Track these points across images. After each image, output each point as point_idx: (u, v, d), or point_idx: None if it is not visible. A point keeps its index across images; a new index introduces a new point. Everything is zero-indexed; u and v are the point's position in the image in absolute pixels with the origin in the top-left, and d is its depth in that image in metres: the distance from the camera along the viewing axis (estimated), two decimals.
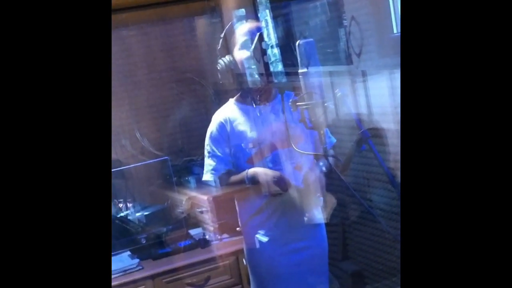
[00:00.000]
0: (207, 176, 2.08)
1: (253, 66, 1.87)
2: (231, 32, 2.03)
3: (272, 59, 1.71)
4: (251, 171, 2.01)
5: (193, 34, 3.21)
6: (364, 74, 2.40)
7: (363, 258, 2.78)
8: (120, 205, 2.82)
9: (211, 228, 2.76)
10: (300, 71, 1.55)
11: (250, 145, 2.02)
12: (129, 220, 2.78)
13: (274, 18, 1.71)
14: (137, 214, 2.81)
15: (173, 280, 2.53)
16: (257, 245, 2.09)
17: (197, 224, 2.88)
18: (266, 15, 1.67)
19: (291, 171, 2.02)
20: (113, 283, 2.41)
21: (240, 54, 1.96)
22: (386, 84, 2.29)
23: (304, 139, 1.97)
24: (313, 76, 1.55)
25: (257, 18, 1.84)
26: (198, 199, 2.80)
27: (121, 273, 2.50)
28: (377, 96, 2.37)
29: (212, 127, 2.08)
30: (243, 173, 2.02)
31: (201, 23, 3.20)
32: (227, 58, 2.00)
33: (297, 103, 1.60)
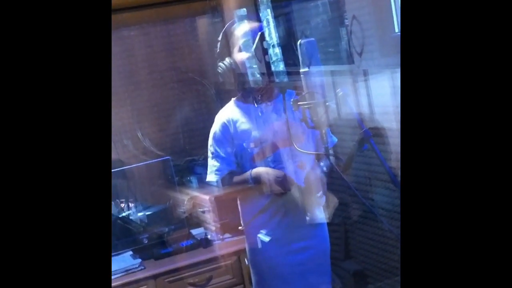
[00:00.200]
0: (211, 177, 2.08)
1: (254, 66, 1.87)
2: (230, 33, 2.03)
3: (274, 58, 1.71)
4: (255, 171, 2.01)
5: (194, 34, 3.21)
6: (365, 73, 2.40)
7: (365, 258, 2.78)
8: (122, 205, 2.82)
9: (213, 228, 2.76)
10: (301, 70, 1.55)
11: (252, 145, 2.02)
12: (131, 220, 2.78)
13: (276, 17, 1.71)
14: (139, 214, 2.81)
15: (175, 280, 2.53)
16: (259, 245, 2.09)
17: (199, 224, 2.88)
18: (267, 14, 1.67)
19: (294, 170, 2.02)
20: (115, 283, 2.41)
21: (241, 55, 1.96)
22: (387, 83, 2.29)
23: (306, 138, 1.97)
24: (314, 75, 1.55)
25: (258, 18, 1.84)
26: (200, 199, 2.80)
27: (123, 273, 2.50)
28: (379, 96, 2.37)
29: (215, 128, 2.08)
30: (247, 173, 2.02)
31: (202, 23, 3.20)
32: (227, 60, 1.99)
33: (299, 103, 1.60)
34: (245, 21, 1.97)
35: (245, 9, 1.99)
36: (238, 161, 2.06)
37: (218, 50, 2.04)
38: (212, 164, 2.08)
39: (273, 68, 1.74)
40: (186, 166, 3.06)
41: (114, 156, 2.95)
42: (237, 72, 1.98)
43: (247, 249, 2.19)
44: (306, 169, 2.03)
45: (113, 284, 2.39)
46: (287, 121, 1.80)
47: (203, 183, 2.92)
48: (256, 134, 2.02)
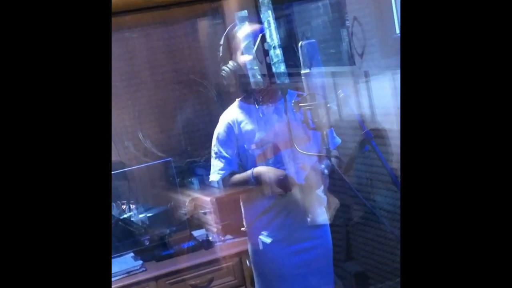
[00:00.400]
0: (214, 176, 2.09)
1: (255, 67, 1.87)
2: (232, 36, 2.03)
3: (275, 60, 1.71)
4: (256, 170, 2.01)
5: (195, 36, 3.21)
6: (366, 74, 2.40)
7: (366, 259, 2.77)
8: (123, 206, 2.82)
9: (215, 230, 2.76)
10: (302, 72, 1.55)
11: (253, 146, 2.03)
12: (132, 221, 2.78)
13: (277, 19, 1.71)
14: (140, 216, 2.81)
15: (177, 281, 2.53)
16: (261, 247, 2.09)
17: (200, 225, 2.88)
18: (268, 16, 1.67)
19: (297, 171, 2.02)
20: (117, 285, 2.41)
21: (244, 57, 1.96)
22: (388, 84, 2.29)
23: (310, 139, 1.97)
24: (315, 77, 1.55)
25: (259, 19, 1.84)
26: (201, 201, 2.80)
27: (124, 275, 2.50)
28: (380, 97, 2.37)
29: (220, 129, 2.08)
30: (248, 172, 2.02)
31: (204, 25, 3.20)
32: (231, 64, 1.99)
33: (300, 104, 1.60)
34: (247, 23, 1.97)
35: (246, 11, 2.00)
36: (241, 162, 2.07)
37: (220, 54, 2.04)
38: (216, 164, 2.08)
39: (274, 70, 1.74)
40: (187, 167, 3.06)
41: (115, 157, 2.96)
42: (239, 73, 1.98)
43: (249, 250, 2.19)
44: (308, 170, 2.03)
45: (114, 286, 2.39)
46: (288, 123, 1.80)
47: (204, 185, 2.92)
48: (261, 135, 2.03)
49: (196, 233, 2.84)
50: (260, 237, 2.09)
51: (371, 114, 2.37)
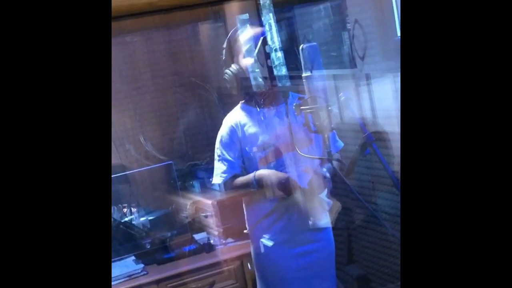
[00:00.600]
0: (216, 179, 2.09)
1: (256, 70, 1.87)
2: (234, 40, 2.03)
3: (276, 63, 1.71)
4: (258, 173, 2.01)
5: (196, 39, 3.22)
6: (368, 77, 2.40)
7: (368, 262, 2.77)
8: (125, 210, 2.82)
9: (216, 233, 2.75)
10: (303, 74, 1.55)
11: (254, 149, 2.02)
12: (133, 225, 2.78)
13: (278, 21, 1.71)
14: (142, 219, 2.81)
15: (178, 285, 2.53)
16: (262, 250, 2.08)
17: (201, 228, 2.88)
18: (269, 18, 1.67)
19: (300, 174, 2.01)
20: None
21: (246, 61, 1.97)
22: (390, 87, 2.29)
23: (312, 142, 1.97)
24: (316, 79, 1.55)
25: (260, 22, 1.84)
26: (203, 204, 2.80)
27: (125, 278, 2.50)
28: (381, 100, 2.36)
29: (223, 131, 2.08)
30: (250, 175, 2.02)
31: (205, 28, 3.20)
32: (233, 67, 2.00)
33: (301, 107, 1.60)
34: (249, 26, 1.97)
35: (247, 14, 2.00)
36: (244, 165, 2.07)
37: (223, 57, 2.05)
38: (218, 167, 2.08)
39: (275, 73, 1.74)
40: (188, 170, 3.06)
41: (116, 161, 2.96)
42: (242, 77, 1.98)
43: (252, 253, 2.19)
44: (310, 173, 2.02)
45: None
46: (289, 126, 1.80)
47: (205, 188, 2.92)
48: (264, 138, 2.03)
49: (197, 236, 2.83)
50: (262, 240, 2.08)
51: (372, 117, 2.37)
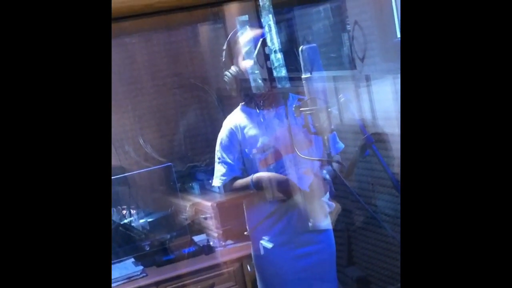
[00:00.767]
0: (216, 181, 2.09)
1: (256, 71, 1.87)
2: (234, 41, 2.03)
3: (276, 64, 1.71)
4: (256, 175, 2.00)
5: (196, 41, 3.22)
6: (367, 78, 2.40)
7: (368, 264, 2.77)
8: (124, 211, 2.82)
9: (215, 235, 2.75)
10: (303, 76, 1.55)
11: (254, 151, 2.02)
12: (132, 227, 2.77)
13: (277, 23, 1.71)
14: (141, 221, 2.80)
15: (178, 287, 2.52)
16: (262, 252, 2.08)
17: (201, 230, 2.87)
18: (269, 20, 1.67)
19: (299, 176, 2.01)
20: None
21: (246, 63, 1.97)
22: (390, 88, 2.28)
23: (312, 144, 1.97)
24: (316, 81, 1.55)
25: (260, 24, 1.84)
26: (202, 205, 2.79)
27: (125, 280, 2.49)
28: (381, 101, 2.36)
29: (223, 134, 2.08)
30: (249, 178, 2.01)
31: (204, 29, 3.20)
32: (233, 69, 2.00)
33: (301, 109, 1.59)
34: (248, 28, 1.97)
35: (246, 15, 2.00)
36: (244, 167, 2.06)
37: (223, 59, 2.04)
38: (218, 169, 2.08)
39: (275, 74, 1.74)
40: (188, 172, 3.06)
41: (115, 162, 2.95)
42: (242, 79, 1.98)
43: (252, 255, 2.19)
44: (311, 175, 2.02)
45: None
46: (289, 127, 1.80)
47: (205, 190, 2.92)
48: (264, 140, 2.02)
49: (196, 238, 2.83)
50: (262, 242, 2.08)
51: (372, 118, 2.37)
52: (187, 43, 3.20)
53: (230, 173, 2.06)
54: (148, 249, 2.69)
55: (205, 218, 2.80)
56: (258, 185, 2.00)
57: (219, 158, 2.08)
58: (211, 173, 2.17)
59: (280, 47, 1.71)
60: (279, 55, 1.70)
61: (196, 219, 2.85)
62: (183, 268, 2.56)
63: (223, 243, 2.72)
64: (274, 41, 1.69)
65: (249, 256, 2.26)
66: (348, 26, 2.46)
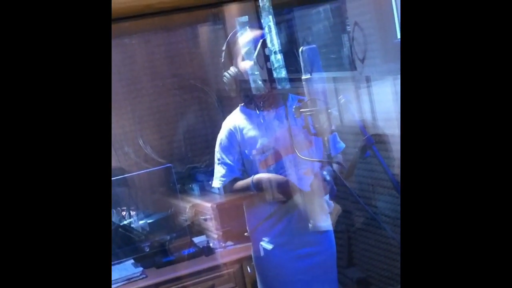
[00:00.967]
0: (216, 183, 2.09)
1: (256, 72, 1.87)
2: (234, 42, 2.03)
3: (275, 65, 1.71)
4: (256, 177, 2.00)
5: (195, 41, 3.22)
6: (368, 79, 2.39)
7: (368, 265, 2.76)
8: (123, 213, 2.82)
9: (215, 236, 2.75)
10: (303, 77, 1.55)
11: (254, 152, 2.02)
12: (132, 228, 2.77)
13: (277, 24, 1.71)
14: (141, 222, 2.80)
15: None
16: (262, 253, 2.08)
17: (201, 231, 2.87)
18: (269, 21, 1.67)
19: (299, 177, 2.01)
20: None
21: (245, 64, 1.96)
22: (390, 89, 2.28)
23: (312, 145, 1.96)
24: (316, 82, 1.55)
25: (260, 25, 1.84)
26: (202, 207, 2.79)
27: (124, 282, 2.49)
28: (381, 102, 2.36)
29: (222, 135, 2.08)
30: (249, 180, 2.01)
31: (204, 30, 3.20)
32: (232, 70, 1.99)
33: (301, 110, 1.59)
34: (248, 29, 1.97)
35: (246, 16, 2.00)
36: (244, 168, 2.06)
37: (222, 60, 2.04)
38: (218, 170, 2.08)
39: (275, 75, 1.74)
40: (187, 173, 3.05)
41: (115, 163, 2.95)
42: (240, 78, 1.98)
43: (252, 256, 2.18)
44: (312, 176, 2.02)
45: None
46: (289, 128, 1.80)
47: (205, 191, 2.92)
48: (264, 141, 2.02)
49: (196, 239, 2.83)
50: (262, 243, 2.08)
51: (372, 119, 2.37)
52: (187, 44, 3.20)
53: (230, 174, 2.06)
54: (148, 250, 2.69)
55: (205, 219, 2.80)
56: (258, 186, 1.99)
57: (218, 159, 2.08)
58: (211, 174, 2.17)
59: (280, 48, 1.71)
60: (279, 56, 1.70)
61: (196, 220, 2.85)
62: (183, 269, 2.56)
63: (223, 244, 2.71)
64: (274, 42, 1.69)
65: (249, 257, 2.25)
66: (348, 27, 2.45)
